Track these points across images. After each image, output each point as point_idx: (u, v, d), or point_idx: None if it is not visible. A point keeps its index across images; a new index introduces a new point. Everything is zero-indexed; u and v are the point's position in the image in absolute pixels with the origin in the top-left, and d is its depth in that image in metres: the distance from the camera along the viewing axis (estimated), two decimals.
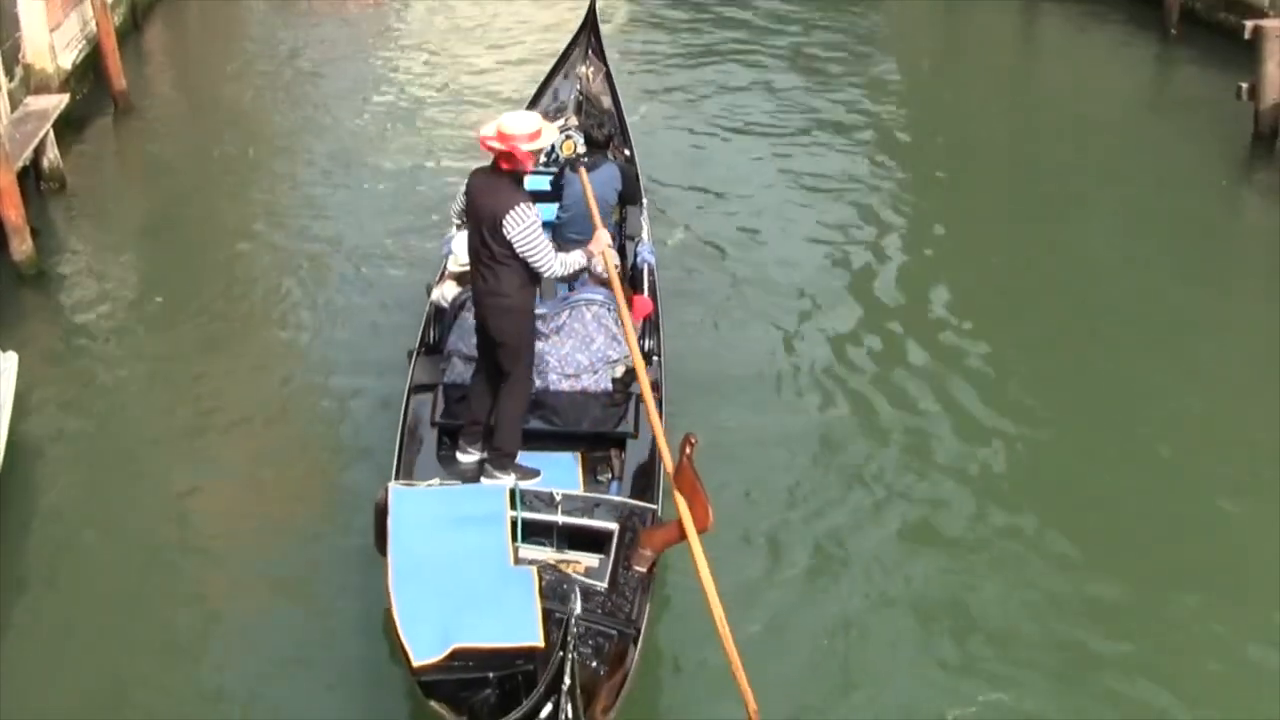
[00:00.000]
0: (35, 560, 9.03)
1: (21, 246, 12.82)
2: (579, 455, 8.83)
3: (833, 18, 21.25)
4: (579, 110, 13.02)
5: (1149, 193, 14.45)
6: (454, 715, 6.54)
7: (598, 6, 14.81)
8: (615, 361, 9.23)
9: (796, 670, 8.01)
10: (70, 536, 9.26)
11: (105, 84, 17.35)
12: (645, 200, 11.41)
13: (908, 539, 9.06)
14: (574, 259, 8.47)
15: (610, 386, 9.13)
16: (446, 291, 9.91)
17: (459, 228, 9.44)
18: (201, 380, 11.19)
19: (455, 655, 6.57)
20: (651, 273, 10.41)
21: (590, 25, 14.52)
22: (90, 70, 17.69)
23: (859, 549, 8.96)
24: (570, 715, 6.01)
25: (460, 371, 9.08)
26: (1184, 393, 10.73)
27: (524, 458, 8.52)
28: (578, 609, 6.10)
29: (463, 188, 8.45)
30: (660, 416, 8.37)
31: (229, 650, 8.25)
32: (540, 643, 6.55)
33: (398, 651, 6.88)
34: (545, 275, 8.27)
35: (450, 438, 8.80)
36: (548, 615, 6.63)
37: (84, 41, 17.80)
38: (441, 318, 9.69)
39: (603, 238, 8.77)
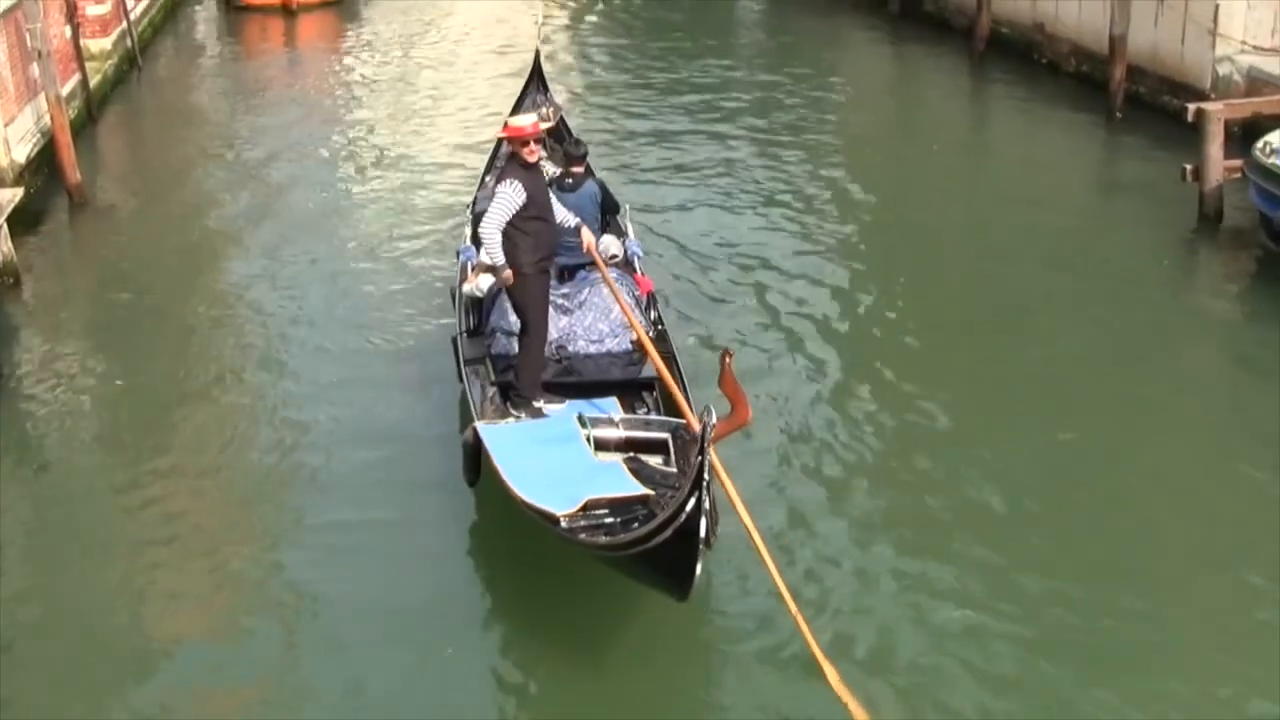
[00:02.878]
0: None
1: None
2: (616, 399, 10.48)
3: (783, 97, 21.51)
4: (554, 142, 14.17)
5: (1094, 272, 14.61)
6: (594, 538, 8.46)
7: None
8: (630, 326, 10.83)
9: None
10: (34, 633, 9.19)
11: (60, 177, 17.37)
12: (626, 207, 12.99)
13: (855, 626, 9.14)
14: (486, 255, 10.43)
15: (630, 347, 10.90)
16: (481, 283, 11.48)
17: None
18: (165, 471, 11.19)
19: (588, 505, 8.77)
20: (641, 261, 12.18)
21: (537, 73, 16.50)
22: (45, 164, 17.71)
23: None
24: (708, 506, 7.69)
25: (504, 344, 10.91)
26: (1125, 465, 10.92)
27: (571, 404, 10.30)
28: (713, 420, 7.76)
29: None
30: (676, 368, 10.48)
31: None
32: (651, 492, 8.90)
33: (533, 522, 8.83)
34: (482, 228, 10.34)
35: (503, 395, 10.57)
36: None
37: (38, 135, 17.85)
38: (478, 306, 11.46)
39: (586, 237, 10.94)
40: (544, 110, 14.75)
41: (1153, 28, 19.47)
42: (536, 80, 16.48)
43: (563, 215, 10.85)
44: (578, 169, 11.99)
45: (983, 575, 9.55)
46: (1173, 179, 15.75)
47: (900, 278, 14.71)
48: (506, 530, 10.00)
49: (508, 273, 10.23)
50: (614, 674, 8.74)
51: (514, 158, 10.43)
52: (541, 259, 10.37)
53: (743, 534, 8.87)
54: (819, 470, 10.95)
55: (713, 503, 7.80)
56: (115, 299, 14.87)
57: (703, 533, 7.70)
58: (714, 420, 7.79)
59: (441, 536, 10.26)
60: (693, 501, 7.63)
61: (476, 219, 12.42)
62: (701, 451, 7.59)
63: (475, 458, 9.74)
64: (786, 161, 18.49)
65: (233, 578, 9.89)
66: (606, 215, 12.41)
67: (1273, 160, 14.16)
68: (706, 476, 7.62)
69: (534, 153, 10.31)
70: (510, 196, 10.17)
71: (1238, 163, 15.05)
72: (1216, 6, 18.34)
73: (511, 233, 10.22)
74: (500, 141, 14.70)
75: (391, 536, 10.22)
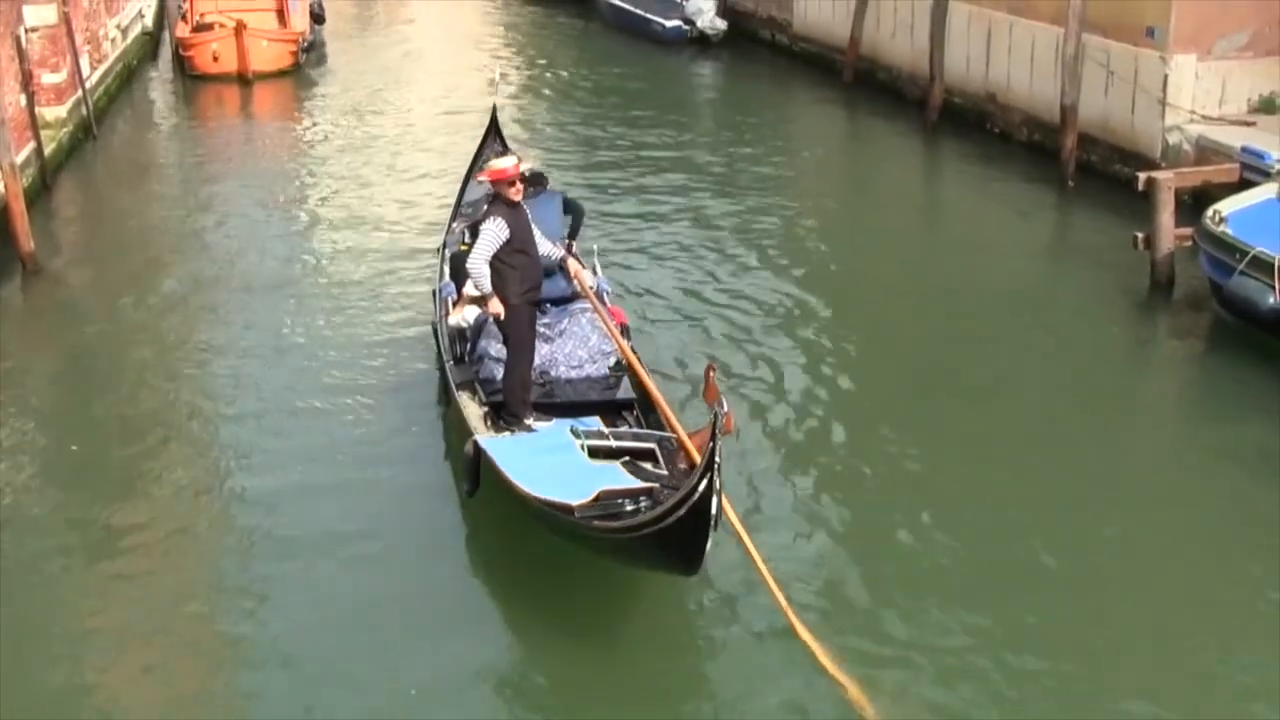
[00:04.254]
0: None
1: None
2: (599, 418, 11.33)
3: (737, 164, 21.63)
4: None
5: (1047, 338, 14.78)
6: (608, 523, 9.28)
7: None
8: (609, 353, 11.93)
9: None
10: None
11: (13, 245, 17.24)
12: (595, 247, 14.45)
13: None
14: (476, 288, 11.52)
15: (607, 371, 11.89)
16: (467, 314, 12.48)
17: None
18: (119, 548, 11.11)
19: (601, 496, 9.59)
20: (610, 296, 13.13)
21: (494, 127, 17.20)
22: None
23: None
24: (718, 487, 8.54)
25: (491, 369, 11.75)
26: (1072, 523, 11.10)
27: (559, 422, 11.06)
28: (724, 409, 8.90)
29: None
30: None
31: None
32: (657, 485, 9.83)
33: (535, 526, 10.00)
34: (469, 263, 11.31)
35: (495, 414, 11.43)
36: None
37: None
38: (462, 335, 12.38)
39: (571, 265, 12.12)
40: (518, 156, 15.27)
41: (1103, 98, 19.74)
42: (494, 135, 17.16)
43: (547, 249, 11.75)
44: (539, 186, 13.39)
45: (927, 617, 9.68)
46: (1124, 246, 15.92)
47: (852, 341, 14.84)
48: (505, 537, 10.91)
49: (496, 303, 11.20)
50: (611, 665, 9.51)
51: (497, 198, 11.29)
52: (528, 290, 11.31)
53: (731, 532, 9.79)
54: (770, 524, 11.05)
55: (720, 485, 8.59)
56: (68, 365, 14.80)
57: (714, 511, 8.54)
58: (724, 410, 8.92)
59: (439, 548, 11.02)
60: (704, 483, 8.45)
61: (454, 259, 13.60)
62: (713, 437, 8.47)
63: (475, 469, 10.44)
64: (740, 228, 18.55)
65: (226, 610, 10.23)
66: (570, 217, 13.79)
67: (1222, 229, 14.34)
68: (717, 460, 8.44)
69: (519, 191, 11.21)
70: (495, 233, 11.09)
71: (1188, 231, 15.24)
72: (1165, 77, 18.63)
73: (499, 267, 11.16)
74: (464, 188, 16.00)
75: (389, 553, 10.84)
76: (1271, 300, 13.48)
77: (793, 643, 9.38)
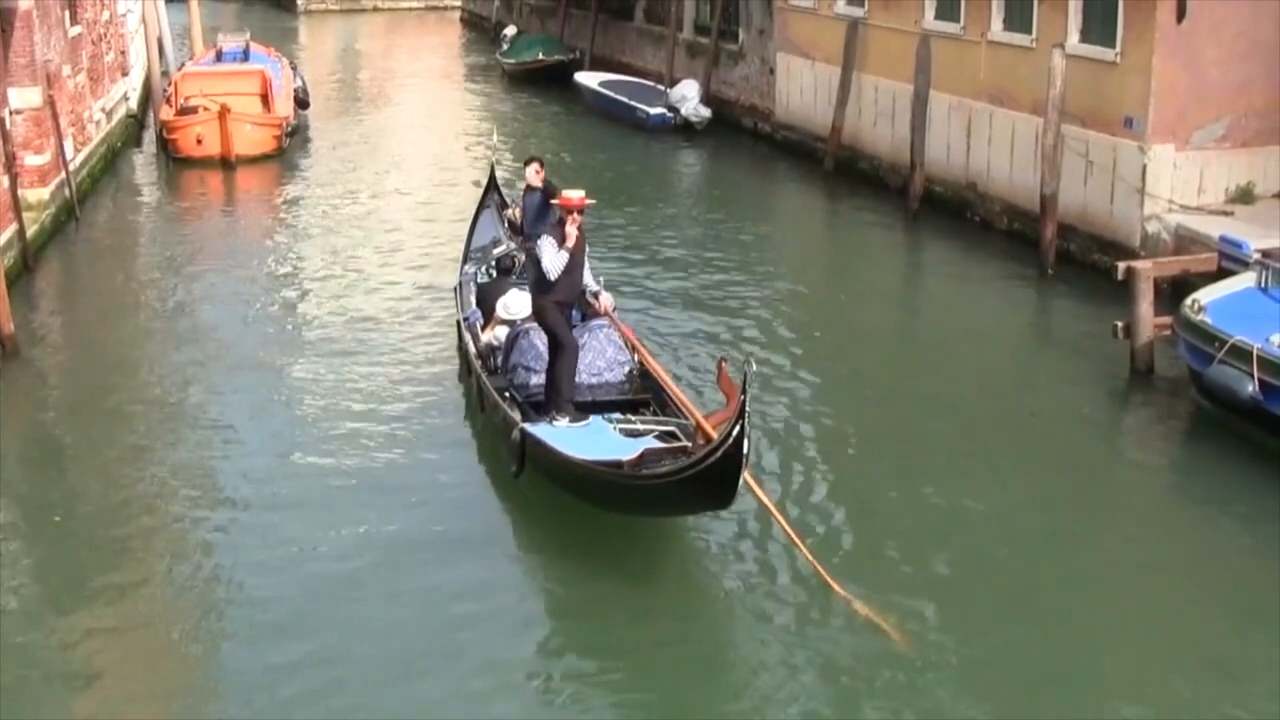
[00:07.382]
0: None
1: None
2: (621, 414, 12.99)
3: (719, 250, 21.63)
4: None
5: (1027, 426, 14.76)
6: (657, 470, 11.13)
7: None
8: (624, 362, 13.90)
9: None
10: None
11: None
12: (600, 280, 15.35)
13: None
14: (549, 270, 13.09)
15: (623, 378, 13.85)
16: (499, 333, 14.49)
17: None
18: (98, 630, 11.00)
19: (646, 453, 11.68)
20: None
21: (493, 184, 18.92)
22: None
23: None
24: (748, 433, 10.18)
25: (524, 377, 13.72)
26: (1051, 610, 11.01)
27: (590, 416, 12.83)
28: (753, 368, 10.39)
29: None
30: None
31: None
32: (691, 444, 11.79)
33: (598, 475, 11.37)
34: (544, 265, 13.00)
35: (530, 412, 13.10)
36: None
37: None
38: (494, 352, 14.27)
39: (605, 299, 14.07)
40: (508, 213, 17.86)
41: (1082, 187, 19.89)
42: (493, 191, 18.73)
43: (587, 279, 13.62)
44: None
45: None
46: (1105, 334, 15.97)
47: (829, 426, 14.78)
48: (546, 525, 12.42)
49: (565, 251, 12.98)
50: (642, 624, 10.79)
51: (560, 222, 13.07)
52: (559, 299, 13.08)
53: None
54: None
55: (749, 430, 10.13)
56: (43, 450, 14.69)
57: (745, 451, 10.12)
58: (754, 368, 10.36)
59: (485, 533, 12.40)
60: (737, 429, 10.01)
61: (481, 290, 15.78)
62: (744, 390, 10.04)
63: (521, 453, 12.11)
64: (721, 314, 18.57)
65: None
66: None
67: (1201, 317, 14.37)
68: (749, 410, 10.02)
69: (576, 220, 12.99)
70: (555, 242, 12.94)
71: (1168, 320, 15.27)
72: (1144, 166, 18.79)
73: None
74: (470, 236, 17.91)
75: (440, 545, 12.08)
76: (1250, 388, 13.49)
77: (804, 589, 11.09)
